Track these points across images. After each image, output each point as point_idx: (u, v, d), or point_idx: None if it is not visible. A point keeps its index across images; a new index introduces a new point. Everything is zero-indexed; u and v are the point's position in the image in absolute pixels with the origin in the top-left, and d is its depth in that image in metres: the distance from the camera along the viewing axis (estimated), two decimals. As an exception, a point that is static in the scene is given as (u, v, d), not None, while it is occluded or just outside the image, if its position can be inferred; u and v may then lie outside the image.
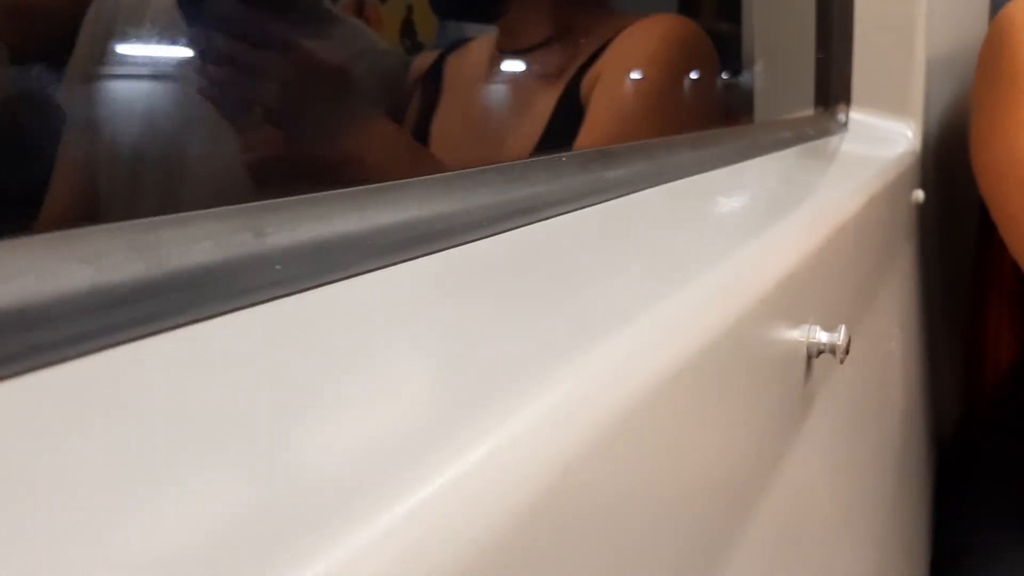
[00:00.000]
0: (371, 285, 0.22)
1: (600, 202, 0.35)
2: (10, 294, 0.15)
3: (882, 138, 0.81)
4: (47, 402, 0.14)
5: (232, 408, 0.15)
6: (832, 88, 0.82)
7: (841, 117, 0.84)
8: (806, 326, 0.37)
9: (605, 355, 0.20)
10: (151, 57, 0.25)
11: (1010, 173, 0.73)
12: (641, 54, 0.60)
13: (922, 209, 0.83)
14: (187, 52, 0.27)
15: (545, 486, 0.16)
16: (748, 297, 0.29)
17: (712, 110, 0.71)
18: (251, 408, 0.15)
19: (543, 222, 0.31)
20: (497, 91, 0.58)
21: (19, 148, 0.20)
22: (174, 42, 0.26)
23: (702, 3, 0.79)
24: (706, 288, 0.26)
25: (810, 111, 0.82)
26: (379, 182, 0.25)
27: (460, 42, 0.55)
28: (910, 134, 0.83)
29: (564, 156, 0.35)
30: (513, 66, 0.59)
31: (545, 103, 0.58)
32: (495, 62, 0.57)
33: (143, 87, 0.24)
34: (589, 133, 0.57)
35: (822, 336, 0.37)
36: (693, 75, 0.64)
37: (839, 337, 0.37)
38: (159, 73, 0.26)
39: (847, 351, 0.37)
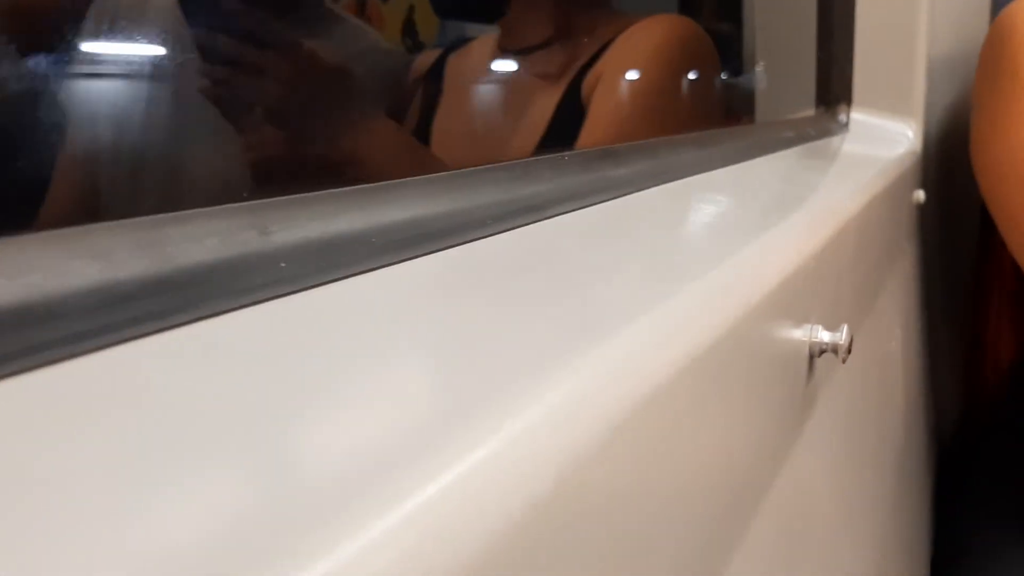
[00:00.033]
0: (374, 283, 0.22)
1: (602, 201, 0.35)
2: (17, 291, 0.15)
3: (883, 138, 0.81)
4: (51, 399, 0.14)
5: (235, 406, 0.15)
6: (833, 88, 0.83)
7: (842, 117, 0.84)
8: (808, 326, 0.37)
9: (606, 355, 0.20)
10: (152, 57, 0.25)
11: (1011, 173, 0.73)
12: (642, 54, 0.60)
13: (923, 209, 0.83)
14: (188, 52, 0.27)
15: (545, 487, 0.16)
16: (750, 297, 0.29)
17: (713, 110, 0.72)
18: (254, 407, 0.15)
19: (546, 221, 0.31)
20: (498, 91, 0.58)
21: (24, 145, 0.20)
22: (175, 41, 0.26)
23: (703, 3, 0.79)
24: (708, 288, 0.26)
25: (811, 111, 0.82)
26: (380, 181, 0.25)
27: (461, 42, 0.55)
28: (911, 134, 0.83)
29: (567, 155, 0.35)
30: (514, 66, 0.59)
31: (546, 103, 0.58)
32: (496, 62, 0.57)
33: (144, 86, 0.24)
34: (590, 133, 0.57)
35: (824, 336, 0.37)
36: (694, 75, 0.64)
37: (841, 337, 0.37)
38: (160, 73, 0.26)
39: (849, 351, 0.37)
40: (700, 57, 0.66)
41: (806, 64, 0.81)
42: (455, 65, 0.53)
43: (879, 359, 0.65)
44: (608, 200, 0.36)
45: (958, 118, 0.91)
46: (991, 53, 0.78)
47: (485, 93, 0.56)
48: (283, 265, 0.20)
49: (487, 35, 0.57)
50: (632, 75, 0.59)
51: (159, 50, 0.25)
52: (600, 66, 0.58)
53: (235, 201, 0.20)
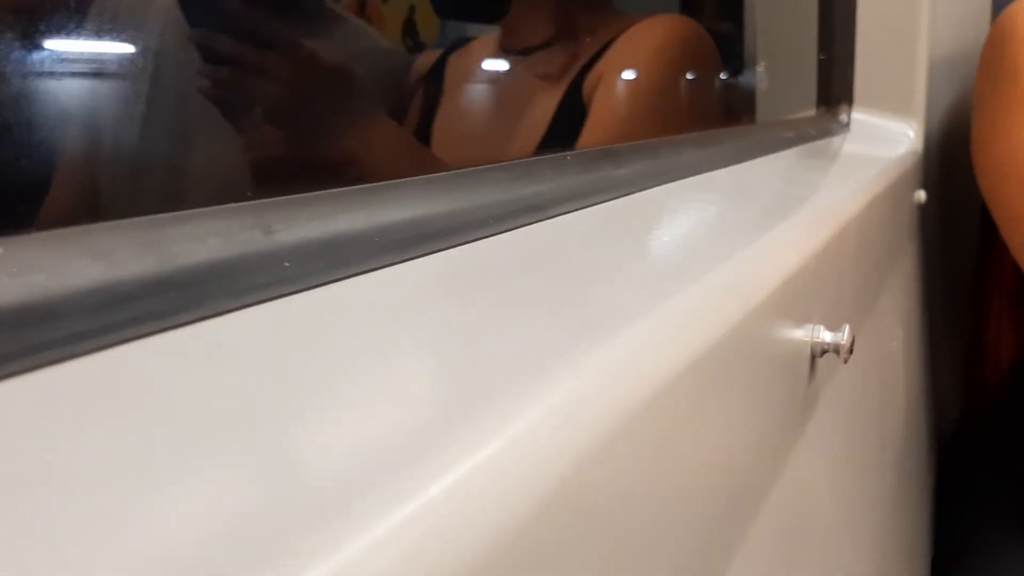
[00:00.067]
0: (377, 283, 0.22)
1: (603, 201, 0.35)
2: (18, 290, 0.15)
3: (884, 138, 0.81)
4: (53, 399, 0.14)
5: (237, 406, 0.15)
6: (834, 88, 0.83)
7: (843, 117, 0.84)
8: (810, 326, 0.37)
9: (608, 355, 0.20)
10: (153, 57, 0.25)
11: (1011, 173, 0.73)
12: (643, 54, 0.60)
13: (924, 209, 0.83)
14: (189, 51, 0.27)
15: (546, 486, 0.16)
16: (752, 297, 0.29)
17: (714, 110, 0.72)
18: (256, 406, 0.15)
19: (547, 221, 0.31)
20: (499, 91, 0.58)
21: (25, 144, 0.20)
22: (177, 41, 0.26)
23: (704, 3, 0.79)
24: (709, 288, 0.26)
25: (812, 111, 0.82)
26: (381, 181, 0.25)
27: (462, 42, 0.55)
28: (912, 134, 0.83)
29: (569, 155, 0.35)
30: (515, 66, 0.59)
31: (547, 103, 0.58)
32: (497, 62, 0.57)
33: (145, 86, 0.24)
34: (591, 133, 0.57)
35: (826, 336, 0.37)
36: (695, 75, 0.64)
37: (843, 337, 0.37)
38: (162, 73, 0.26)
39: (851, 351, 0.37)
40: (701, 57, 0.66)
41: (807, 64, 0.81)
42: (456, 65, 0.53)
43: (880, 359, 0.65)
44: (609, 200, 0.36)
45: (959, 118, 0.91)
46: (992, 53, 0.78)
47: (486, 93, 0.56)
48: (287, 264, 0.20)
49: (488, 35, 0.57)
50: (633, 75, 0.59)
51: (160, 50, 0.25)
52: (601, 66, 0.58)
53: (238, 201, 0.20)
